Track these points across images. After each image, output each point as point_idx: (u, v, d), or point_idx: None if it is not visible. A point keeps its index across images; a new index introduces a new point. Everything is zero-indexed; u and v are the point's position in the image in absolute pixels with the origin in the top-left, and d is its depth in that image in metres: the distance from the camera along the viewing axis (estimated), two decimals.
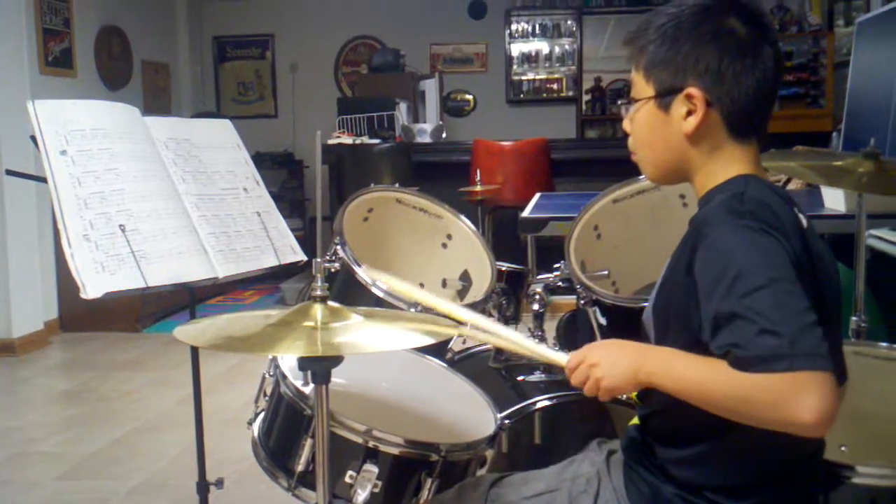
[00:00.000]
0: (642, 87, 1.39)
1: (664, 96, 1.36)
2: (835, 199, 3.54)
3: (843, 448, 1.78)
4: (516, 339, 1.53)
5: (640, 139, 1.43)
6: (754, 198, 1.27)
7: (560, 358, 1.45)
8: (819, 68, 7.22)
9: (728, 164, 1.36)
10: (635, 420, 1.51)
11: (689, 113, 1.34)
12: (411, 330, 1.53)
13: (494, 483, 1.57)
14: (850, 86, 4.86)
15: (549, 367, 2.24)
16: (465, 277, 2.42)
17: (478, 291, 2.33)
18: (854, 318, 2.27)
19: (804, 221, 1.33)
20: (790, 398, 1.10)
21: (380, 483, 1.56)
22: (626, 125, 1.46)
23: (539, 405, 2.05)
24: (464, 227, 2.51)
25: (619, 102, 1.62)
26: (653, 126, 1.39)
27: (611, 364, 1.33)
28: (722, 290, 1.17)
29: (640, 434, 1.45)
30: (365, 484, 1.55)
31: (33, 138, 1.90)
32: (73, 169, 1.89)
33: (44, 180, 1.87)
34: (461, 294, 2.41)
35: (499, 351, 2.31)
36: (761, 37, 1.33)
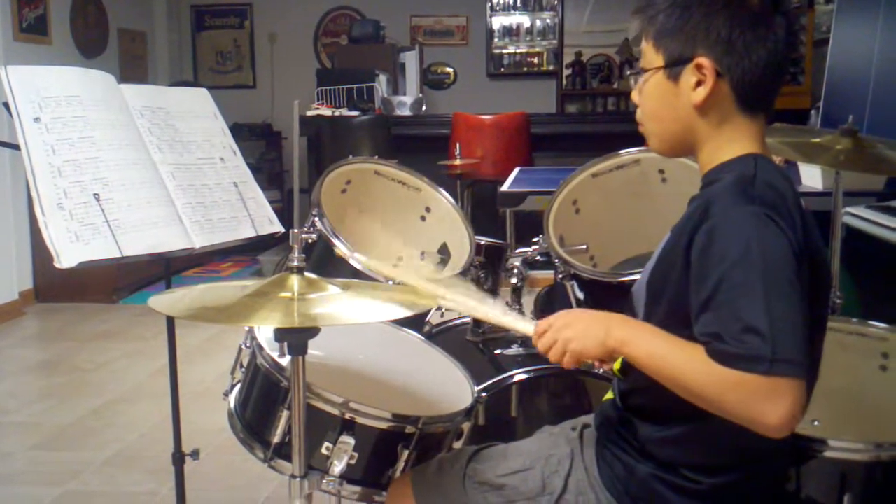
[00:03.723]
0: (651, 56, 1.37)
1: (673, 66, 1.34)
2: (812, 177, 3.57)
3: (815, 422, 1.79)
4: (487, 311, 1.52)
5: (648, 110, 1.41)
6: (764, 181, 1.26)
7: (527, 327, 1.44)
8: (799, 45, 7.24)
9: (735, 138, 1.34)
10: (609, 395, 1.51)
11: (699, 83, 1.31)
12: (388, 302, 1.53)
13: (473, 457, 1.57)
14: (830, 63, 4.88)
15: (526, 341, 2.24)
16: (444, 250, 2.42)
17: (456, 265, 2.33)
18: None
19: (802, 202, 1.32)
20: (761, 400, 1.11)
21: (356, 454, 1.56)
22: (634, 96, 1.43)
23: (516, 378, 2.05)
24: (443, 200, 2.50)
25: (628, 73, 1.61)
26: (661, 97, 1.37)
27: (582, 327, 1.33)
28: (716, 275, 1.17)
29: (618, 411, 1.45)
30: (341, 455, 1.55)
31: (6, 105, 1.87)
32: (46, 136, 1.86)
33: (17, 147, 1.84)
34: (439, 267, 2.40)
35: (476, 324, 2.32)
36: (774, 6, 1.31)
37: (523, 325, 1.47)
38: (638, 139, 1.58)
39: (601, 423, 1.49)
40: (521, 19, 8.58)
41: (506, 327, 1.53)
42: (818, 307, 1.30)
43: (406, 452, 1.60)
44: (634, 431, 1.40)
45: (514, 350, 2.21)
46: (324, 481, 1.56)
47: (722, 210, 1.23)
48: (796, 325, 1.14)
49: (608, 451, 1.44)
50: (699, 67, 1.31)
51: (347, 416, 1.56)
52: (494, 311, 1.52)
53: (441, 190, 2.52)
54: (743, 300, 1.14)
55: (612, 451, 1.43)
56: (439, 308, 2.18)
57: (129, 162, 1.99)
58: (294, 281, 1.43)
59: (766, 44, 1.30)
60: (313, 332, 1.41)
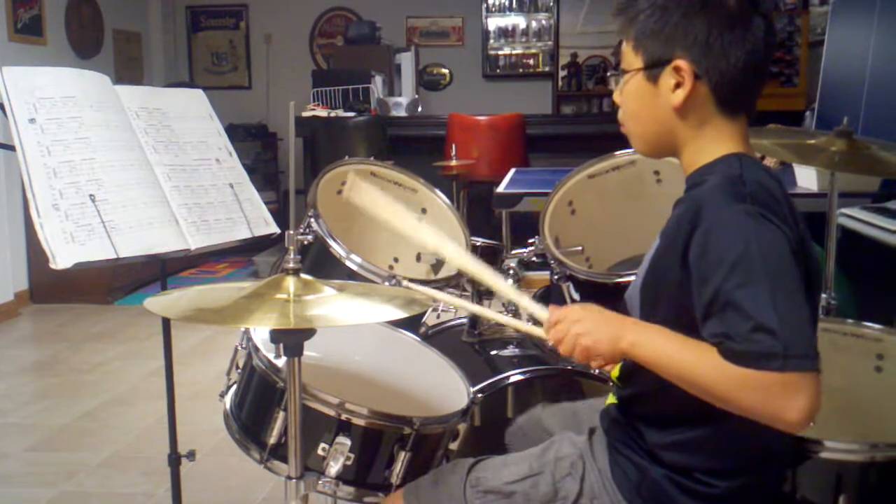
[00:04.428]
0: (631, 58, 1.37)
1: (652, 68, 1.34)
2: (807, 178, 3.58)
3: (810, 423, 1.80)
4: (503, 289, 1.57)
5: (628, 111, 1.41)
6: (752, 180, 1.26)
7: (541, 313, 1.43)
8: (794, 47, 7.25)
9: (717, 140, 1.34)
10: (612, 399, 1.50)
11: (678, 85, 1.32)
12: (384, 303, 1.53)
13: (472, 468, 1.55)
14: (824, 65, 4.88)
15: (521, 342, 2.25)
16: None
17: (452, 266, 2.32)
18: (824, 296, 2.29)
19: (792, 201, 1.33)
20: (780, 397, 1.12)
21: (352, 455, 1.56)
22: (616, 97, 1.44)
23: (512, 379, 2.05)
24: (438, 201, 2.50)
25: (609, 74, 1.62)
26: (641, 98, 1.37)
27: (594, 324, 1.31)
28: (719, 277, 1.17)
29: (624, 416, 1.44)
30: (337, 456, 1.55)
31: (1, 106, 1.87)
32: (41, 137, 1.86)
33: (12, 148, 1.84)
34: (435, 268, 2.41)
35: (472, 325, 2.32)
36: (752, 8, 1.31)
37: (538, 310, 1.46)
38: None
39: (609, 427, 1.48)
40: (517, 20, 8.58)
41: (520, 307, 1.54)
42: (810, 308, 1.30)
43: (402, 453, 1.60)
44: (642, 436, 1.40)
45: (510, 351, 2.20)
46: (320, 482, 1.56)
47: (714, 212, 1.23)
48: (804, 319, 1.15)
49: (620, 454, 1.43)
50: (677, 70, 1.31)
51: (343, 417, 1.56)
52: (511, 293, 1.54)
53: (437, 191, 2.52)
54: (748, 299, 1.14)
55: (624, 453, 1.42)
56: (435, 309, 2.19)
57: (124, 163, 1.99)
58: (290, 282, 1.43)
59: (744, 45, 1.29)
60: (309, 333, 1.41)
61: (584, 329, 1.32)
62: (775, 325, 1.12)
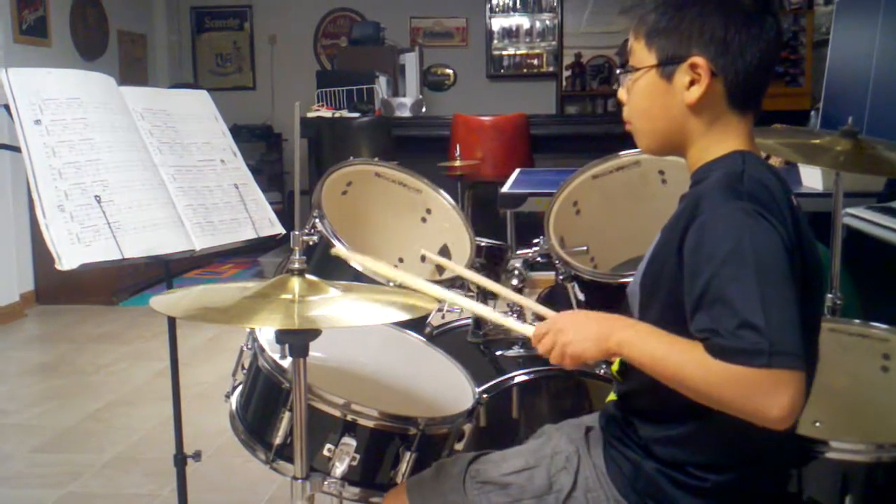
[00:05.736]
0: (643, 55, 1.37)
1: (667, 65, 1.34)
2: (812, 178, 3.57)
3: (816, 423, 1.80)
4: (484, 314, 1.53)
5: (637, 109, 1.41)
6: (753, 177, 1.27)
7: (526, 329, 1.45)
8: (799, 47, 7.25)
9: (725, 137, 1.35)
10: (612, 396, 1.51)
11: (692, 83, 1.32)
12: (389, 304, 1.53)
13: (473, 461, 1.56)
14: (829, 65, 4.88)
15: (527, 343, 2.24)
16: (444, 252, 2.42)
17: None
18: (829, 296, 2.29)
19: (794, 200, 1.33)
20: (763, 394, 1.12)
21: (358, 456, 1.56)
22: (621, 94, 1.43)
23: (517, 380, 2.05)
24: (443, 201, 2.50)
25: (618, 71, 1.60)
26: (653, 96, 1.37)
27: (578, 330, 1.33)
28: (709, 272, 1.18)
29: (621, 411, 1.45)
30: (343, 457, 1.55)
31: (6, 107, 1.87)
32: (47, 139, 1.86)
33: (18, 150, 1.85)
34: (440, 269, 2.40)
35: (477, 325, 2.32)
36: (765, 8, 1.32)
37: (522, 327, 1.47)
38: None
39: (606, 423, 1.49)
40: (521, 21, 8.58)
41: (505, 327, 1.54)
42: (811, 308, 1.30)
43: (407, 454, 1.60)
44: (637, 431, 1.40)
45: (515, 351, 2.21)
46: (325, 483, 1.56)
47: (711, 207, 1.24)
48: (792, 317, 1.15)
49: (615, 450, 1.44)
50: (693, 67, 1.32)
51: (349, 417, 1.56)
52: (493, 314, 1.52)
53: (441, 191, 2.52)
54: (737, 295, 1.15)
55: (619, 448, 1.43)
56: (440, 309, 2.19)
57: (129, 164, 1.99)
58: (295, 283, 1.43)
59: (758, 44, 1.31)
60: (314, 333, 1.41)
61: (570, 338, 1.33)
62: (762, 323, 1.12)
